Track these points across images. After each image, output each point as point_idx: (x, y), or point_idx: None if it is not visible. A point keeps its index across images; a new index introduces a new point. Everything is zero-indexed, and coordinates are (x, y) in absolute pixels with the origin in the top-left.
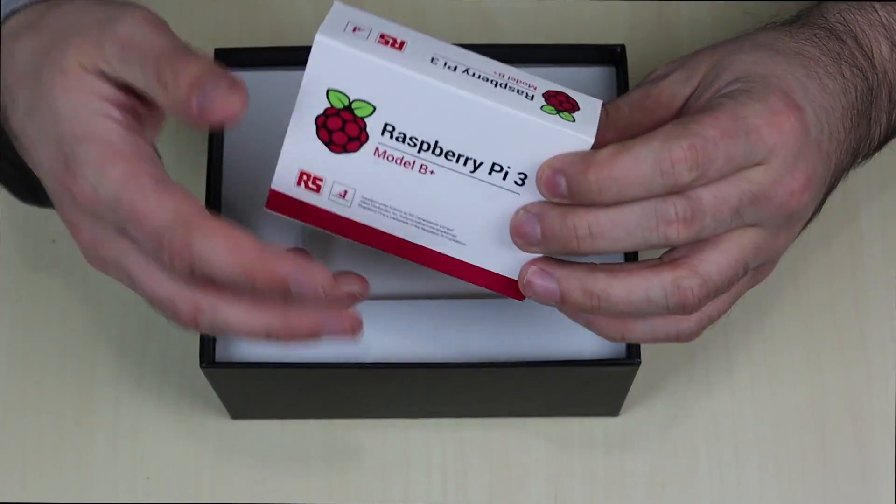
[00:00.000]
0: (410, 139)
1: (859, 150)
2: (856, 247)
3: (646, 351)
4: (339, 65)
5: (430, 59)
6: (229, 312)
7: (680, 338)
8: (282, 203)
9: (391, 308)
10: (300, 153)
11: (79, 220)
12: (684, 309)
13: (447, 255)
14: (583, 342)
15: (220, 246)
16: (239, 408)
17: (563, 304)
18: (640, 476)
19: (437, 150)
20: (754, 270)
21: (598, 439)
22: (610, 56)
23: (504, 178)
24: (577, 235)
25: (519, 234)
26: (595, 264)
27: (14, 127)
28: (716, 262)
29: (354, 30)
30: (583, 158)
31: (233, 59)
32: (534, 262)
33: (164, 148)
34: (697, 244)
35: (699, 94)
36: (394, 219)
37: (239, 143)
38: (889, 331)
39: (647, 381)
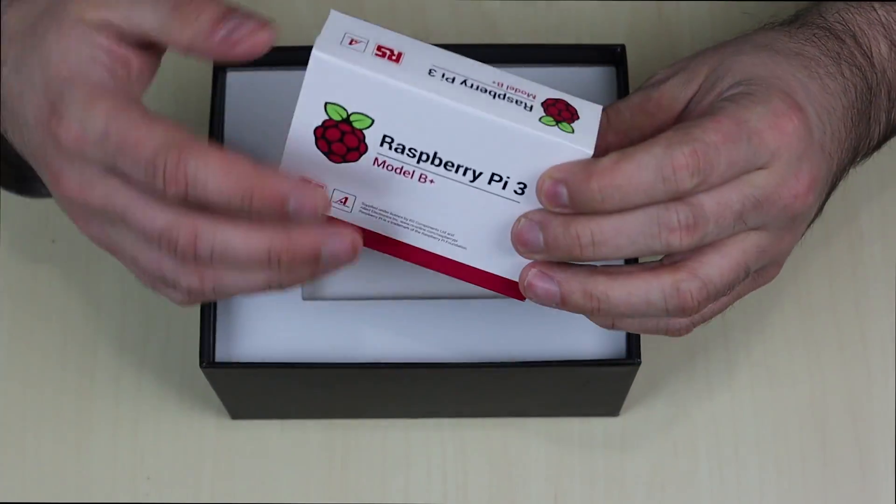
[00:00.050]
0: (409, 150)
1: (859, 149)
2: (856, 247)
3: (646, 351)
4: (336, 79)
5: (427, 70)
6: (230, 234)
7: (670, 332)
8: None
9: (391, 308)
10: (300, 162)
11: (64, 168)
12: (684, 312)
13: (448, 258)
14: (583, 342)
15: (216, 166)
16: (239, 408)
17: (564, 305)
18: (640, 476)
19: (437, 161)
20: (756, 273)
21: (598, 439)
22: (610, 56)
23: (504, 187)
24: (581, 243)
25: (521, 242)
26: (595, 267)
27: (2, 92)
28: (717, 265)
29: (351, 42)
30: (584, 167)
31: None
32: (534, 264)
33: None
34: (699, 247)
35: (700, 97)
36: (394, 224)
37: (239, 142)
38: (889, 331)
39: (647, 381)
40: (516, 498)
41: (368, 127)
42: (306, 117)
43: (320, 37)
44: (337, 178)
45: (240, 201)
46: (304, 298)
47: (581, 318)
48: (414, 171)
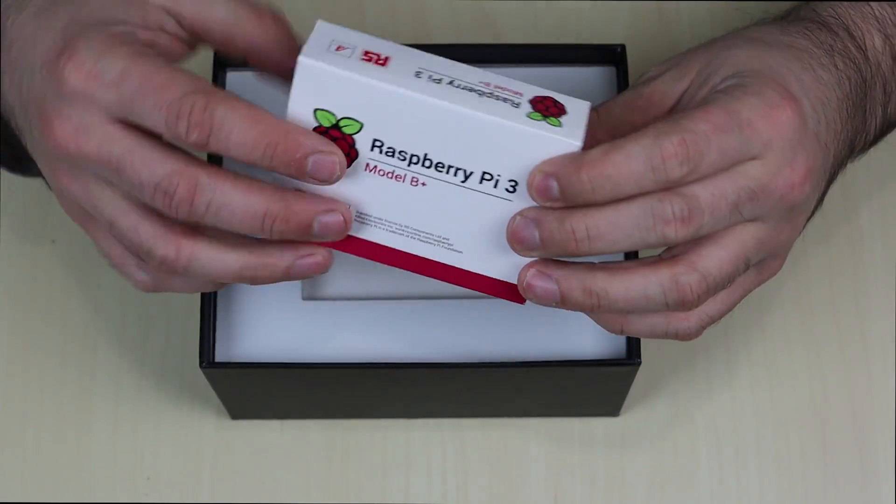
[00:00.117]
0: (400, 153)
1: (856, 143)
2: (856, 246)
3: (646, 351)
4: (323, 85)
5: (414, 72)
6: (230, 193)
7: (680, 335)
8: None
9: (391, 308)
10: None
11: (62, 111)
12: (683, 305)
13: (445, 264)
14: (583, 342)
15: (244, 115)
16: (239, 408)
17: (564, 304)
18: (640, 476)
19: (427, 163)
20: (758, 268)
21: (598, 439)
22: (610, 56)
23: (495, 186)
24: (576, 238)
25: (517, 240)
26: (594, 263)
27: (10, 37)
28: (715, 257)
29: (338, 48)
30: (573, 159)
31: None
32: (532, 264)
33: None
34: (698, 240)
35: (693, 92)
36: (390, 231)
37: None
38: (889, 330)
39: (647, 381)
40: (516, 498)
41: (358, 132)
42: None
43: (307, 44)
44: (330, 187)
45: (262, 152)
46: (304, 298)
47: (581, 318)
48: (405, 175)
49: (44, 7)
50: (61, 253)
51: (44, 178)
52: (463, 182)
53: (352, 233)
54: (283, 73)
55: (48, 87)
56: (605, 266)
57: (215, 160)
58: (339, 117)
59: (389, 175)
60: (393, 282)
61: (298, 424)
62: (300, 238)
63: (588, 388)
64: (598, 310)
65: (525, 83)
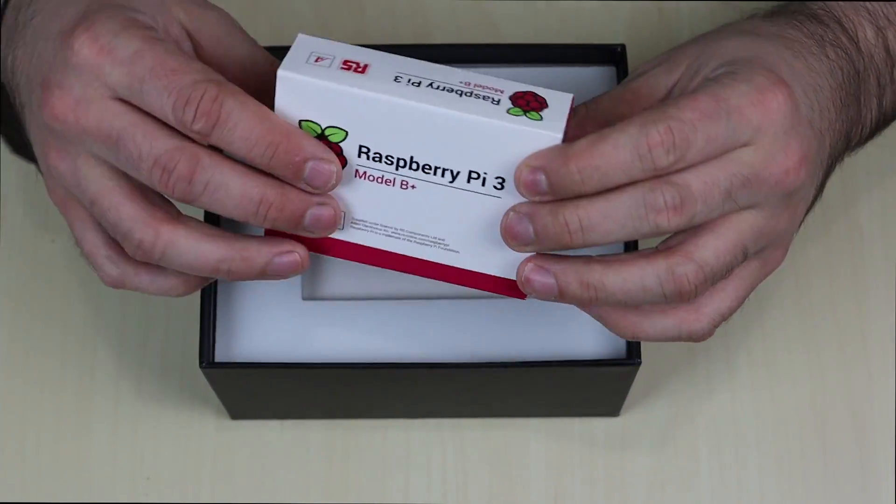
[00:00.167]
0: (387, 158)
1: (852, 135)
2: (856, 246)
3: (646, 351)
4: (305, 96)
5: (393, 77)
6: (229, 175)
7: (693, 337)
8: (276, 233)
9: (391, 308)
10: None
11: (66, 82)
12: (681, 296)
13: (443, 264)
14: (583, 342)
15: (251, 111)
16: (239, 408)
17: (562, 297)
18: (640, 476)
19: (414, 165)
20: (761, 260)
21: (598, 439)
22: (610, 56)
23: (483, 184)
24: (570, 230)
25: (511, 236)
26: (591, 256)
27: (34, 7)
28: (712, 247)
29: (317, 59)
30: (560, 152)
31: None
32: (530, 259)
33: None
34: (694, 230)
35: (683, 84)
36: (385, 235)
37: None
38: (889, 331)
39: (648, 381)
40: (516, 498)
41: (344, 139)
42: None
43: (286, 58)
44: None
45: (263, 150)
46: (304, 298)
47: (581, 318)
48: (395, 179)
49: None
50: (61, 252)
51: (37, 164)
52: (451, 182)
53: (348, 238)
54: None
55: (57, 56)
56: (602, 259)
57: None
58: (323, 127)
59: (379, 180)
60: (393, 282)
61: (298, 424)
62: (290, 229)
63: (588, 388)
64: (595, 302)
65: (507, 80)
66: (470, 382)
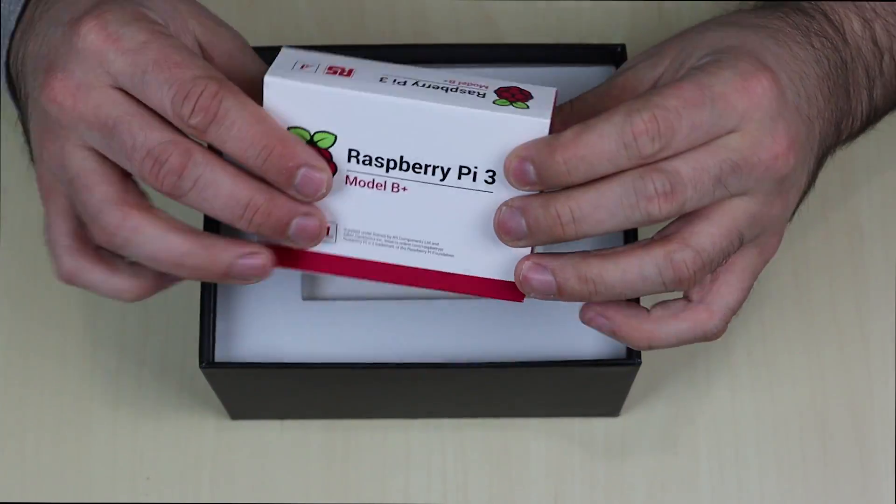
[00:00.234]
0: (377, 160)
1: (842, 126)
2: (856, 246)
3: (646, 351)
4: (292, 101)
5: (378, 78)
6: (220, 174)
7: (707, 335)
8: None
9: (391, 308)
10: None
11: (68, 66)
12: (681, 283)
13: (439, 271)
14: (583, 342)
15: (250, 112)
16: (239, 408)
17: (561, 295)
18: (640, 476)
19: (404, 165)
20: (758, 248)
21: (598, 439)
22: (610, 56)
23: (474, 179)
24: (562, 222)
25: (504, 231)
26: (588, 251)
27: None
28: (707, 233)
29: (303, 67)
30: (547, 143)
31: None
32: (527, 257)
33: None
34: (688, 218)
35: (668, 76)
36: (379, 245)
37: None
38: (889, 330)
39: (648, 382)
40: (516, 498)
41: (333, 144)
42: None
43: (272, 66)
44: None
45: (257, 152)
46: (304, 298)
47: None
48: (385, 182)
49: None
50: None
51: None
52: (442, 180)
53: (341, 252)
54: None
55: (64, 41)
56: (599, 252)
57: None
58: (312, 132)
59: (370, 184)
60: None
61: (298, 424)
62: (275, 236)
63: (588, 388)
64: (595, 297)
65: (490, 77)
66: (470, 382)
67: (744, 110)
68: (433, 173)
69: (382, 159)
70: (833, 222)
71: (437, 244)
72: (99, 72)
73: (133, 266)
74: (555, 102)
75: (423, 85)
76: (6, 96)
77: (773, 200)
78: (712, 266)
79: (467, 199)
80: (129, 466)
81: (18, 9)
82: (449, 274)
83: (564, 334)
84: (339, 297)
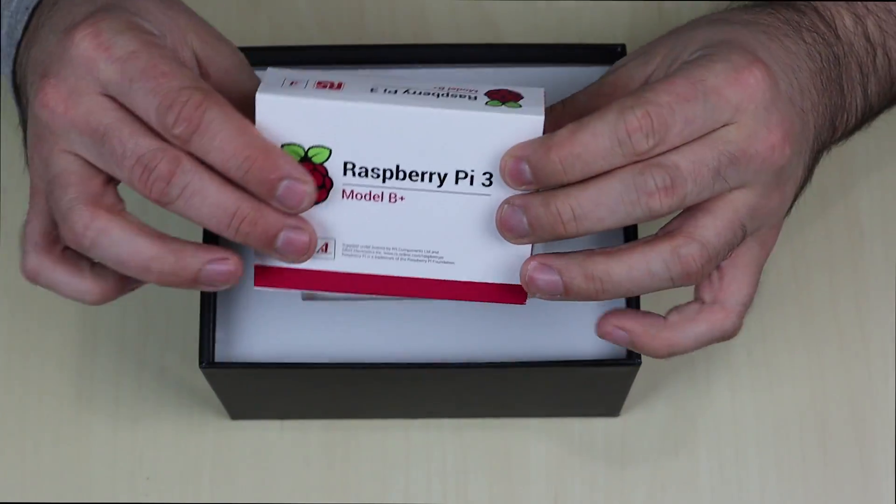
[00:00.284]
0: (373, 171)
1: (837, 122)
2: (856, 246)
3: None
4: (285, 117)
5: (369, 89)
6: (208, 183)
7: (726, 334)
8: (269, 276)
9: (391, 308)
10: None
11: (61, 74)
12: (689, 277)
13: (440, 280)
14: (583, 342)
15: (233, 124)
16: (239, 408)
17: (568, 294)
18: (641, 476)
19: (401, 174)
20: (759, 241)
21: (598, 439)
22: (610, 56)
23: (471, 183)
24: (562, 220)
25: (506, 228)
26: (593, 249)
27: (57, 3)
28: (711, 226)
29: (292, 84)
30: (542, 142)
31: None
32: (532, 258)
33: None
34: (691, 213)
35: (659, 73)
36: (378, 258)
37: None
38: (889, 330)
39: (648, 382)
40: (516, 498)
41: (328, 159)
42: None
43: (261, 84)
44: (313, 224)
45: (239, 163)
46: (304, 298)
47: (581, 318)
48: (383, 193)
49: None
50: None
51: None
52: (440, 187)
53: (341, 268)
54: None
55: (59, 48)
56: (605, 250)
57: None
58: (306, 148)
59: (367, 196)
60: None
61: (298, 424)
62: (262, 247)
63: (588, 388)
64: (603, 295)
65: (479, 83)
66: (470, 382)
67: (738, 102)
68: (430, 180)
69: (379, 170)
70: (833, 221)
71: (437, 252)
72: (89, 79)
73: (96, 269)
74: (544, 101)
75: (414, 92)
76: (6, 99)
77: (771, 192)
78: (718, 259)
79: (465, 203)
80: (129, 466)
81: (25, 19)
82: (450, 282)
83: (564, 334)
84: (339, 298)
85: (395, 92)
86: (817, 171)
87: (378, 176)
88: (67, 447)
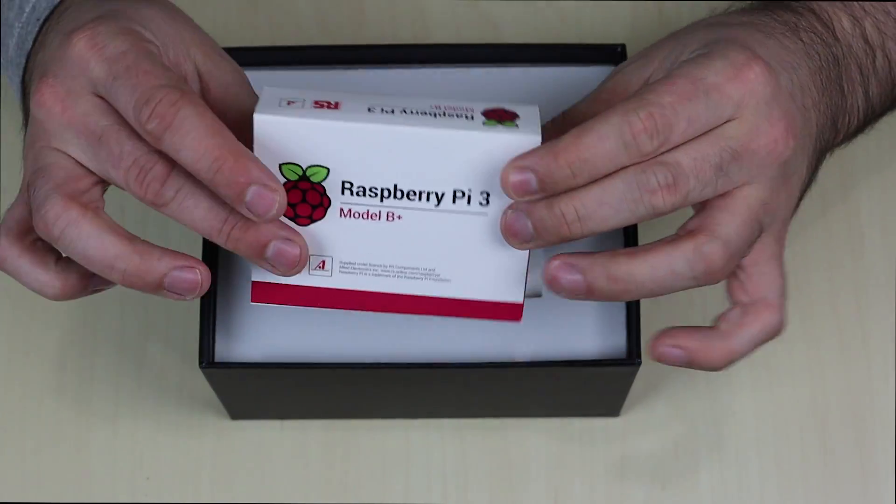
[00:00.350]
0: (370, 190)
1: (839, 123)
2: (856, 246)
3: (646, 351)
4: (283, 137)
5: (366, 108)
6: (199, 189)
7: (777, 330)
8: (266, 292)
9: None
10: None
11: (59, 74)
12: (712, 275)
13: (436, 297)
14: (583, 342)
15: (205, 125)
16: (238, 408)
17: (591, 294)
18: (640, 476)
19: (398, 194)
20: (773, 236)
21: (598, 439)
22: (610, 56)
23: (468, 202)
24: (567, 221)
25: (511, 234)
26: (616, 250)
27: (64, 9)
28: (730, 223)
29: (289, 103)
30: (547, 149)
31: (233, 58)
32: (556, 256)
33: None
34: (707, 212)
35: (658, 75)
36: (375, 275)
37: None
38: (889, 330)
39: (648, 382)
40: (516, 498)
41: (325, 178)
42: None
43: (259, 104)
44: (310, 242)
45: (208, 164)
46: None
47: (581, 318)
48: (380, 212)
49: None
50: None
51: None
52: (437, 206)
53: (337, 285)
54: None
55: (58, 50)
56: (627, 250)
57: None
58: (304, 167)
59: (364, 215)
60: None
61: (298, 424)
62: (253, 255)
63: (588, 388)
64: (625, 296)
65: (475, 101)
66: (470, 382)
67: (739, 98)
68: (427, 199)
69: (376, 189)
70: (833, 221)
71: (434, 270)
72: (83, 79)
73: (61, 263)
74: (539, 118)
75: (411, 112)
76: (6, 101)
77: (779, 187)
78: (739, 255)
79: (462, 222)
80: (129, 466)
81: (36, 30)
82: (447, 299)
83: (564, 334)
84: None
85: (392, 112)
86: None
87: (375, 195)
88: (67, 447)
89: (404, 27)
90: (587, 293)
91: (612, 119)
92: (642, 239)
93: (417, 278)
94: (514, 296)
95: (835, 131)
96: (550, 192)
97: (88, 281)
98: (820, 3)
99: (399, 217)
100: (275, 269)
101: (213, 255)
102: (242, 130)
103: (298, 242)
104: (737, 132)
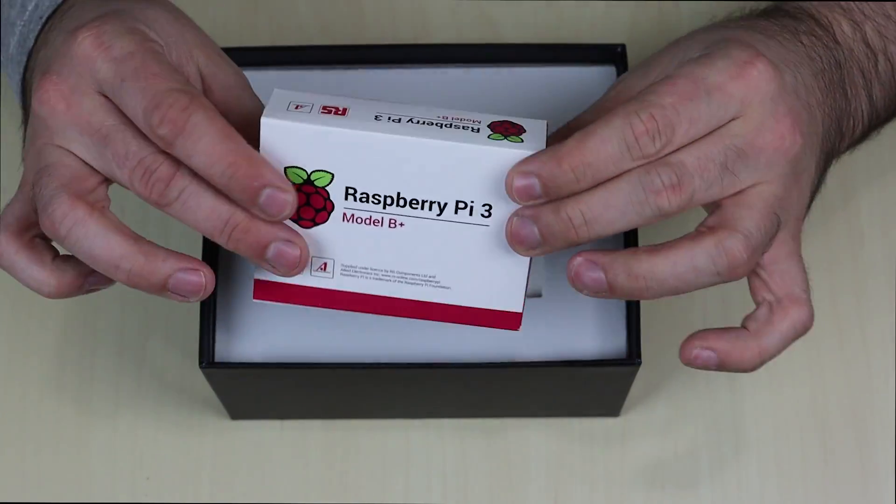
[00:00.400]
0: (374, 197)
1: (843, 127)
2: (856, 246)
3: (646, 351)
4: (289, 141)
5: (374, 116)
6: (204, 189)
7: (807, 325)
8: (268, 290)
9: None
10: None
11: (63, 72)
12: (735, 269)
13: (436, 303)
14: (583, 342)
15: (217, 129)
16: (238, 408)
17: (612, 292)
18: (640, 476)
19: (401, 202)
20: (790, 233)
21: (598, 439)
22: (610, 56)
23: (470, 213)
24: (574, 225)
25: (517, 241)
26: (637, 247)
27: (68, 7)
28: (750, 217)
29: (297, 107)
30: (550, 154)
31: (233, 58)
32: (579, 253)
33: None
34: (726, 209)
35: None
36: (376, 279)
37: None
38: (889, 330)
39: (648, 382)
40: (516, 498)
41: (330, 183)
42: None
43: (266, 107)
44: (313, 245)
45: (222, 169)
46: None
47: (581, 318)
48: (382, 218)
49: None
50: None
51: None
52: (439, 215)
53: (339, 287)
54: None
55: (62, 46)
56: (648, 247)
57: None
58: (309, 171)
59: (367, 221)
60: None
61: (298, 424)
62: (254, 255)
63: (588, 388)
64: (647, 294)
65: (482, 112)
66: (470, 382)
67: (742, 96)
68: (430, 209)
69: (380, 196)
70: (833, 223)
71: (434, 277)
72: (88, 78)
73: (58, 261)
74: (546, 133)
75: (418, 122)
76: (6, 100)
77: (791, 185)
78: (761, 250)
79: (464, 232)
80: (129, 466)
81: (38, 28)
82: (446, 305)
83: (564, 334)
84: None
85: (399, 120)
86: None
87: (379, 202)
88: (67, 447)
89: (404, 27)
90: (609, 291)
91: (614, 122)
92: (649, 242)
93: (418, 284)
94: (514, 305)
95: (840, 135)
96: (554, 196)
97: (84, 280)
98: (819, 8)
99: (401, 224)
100: (275, 269)
101: (213, 255)
102: (244, 132)
103: (299, 244)
104: (742, 130)
